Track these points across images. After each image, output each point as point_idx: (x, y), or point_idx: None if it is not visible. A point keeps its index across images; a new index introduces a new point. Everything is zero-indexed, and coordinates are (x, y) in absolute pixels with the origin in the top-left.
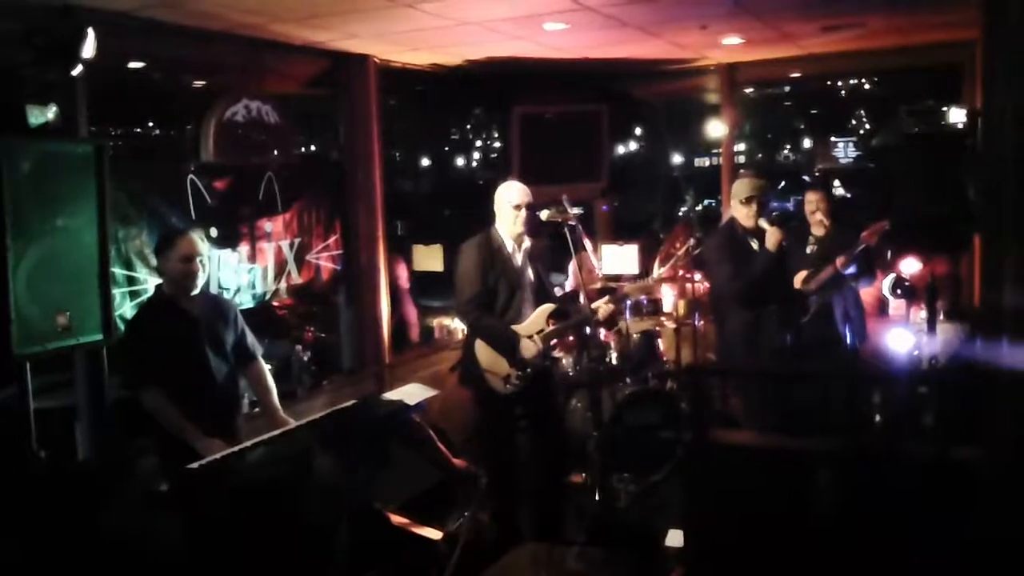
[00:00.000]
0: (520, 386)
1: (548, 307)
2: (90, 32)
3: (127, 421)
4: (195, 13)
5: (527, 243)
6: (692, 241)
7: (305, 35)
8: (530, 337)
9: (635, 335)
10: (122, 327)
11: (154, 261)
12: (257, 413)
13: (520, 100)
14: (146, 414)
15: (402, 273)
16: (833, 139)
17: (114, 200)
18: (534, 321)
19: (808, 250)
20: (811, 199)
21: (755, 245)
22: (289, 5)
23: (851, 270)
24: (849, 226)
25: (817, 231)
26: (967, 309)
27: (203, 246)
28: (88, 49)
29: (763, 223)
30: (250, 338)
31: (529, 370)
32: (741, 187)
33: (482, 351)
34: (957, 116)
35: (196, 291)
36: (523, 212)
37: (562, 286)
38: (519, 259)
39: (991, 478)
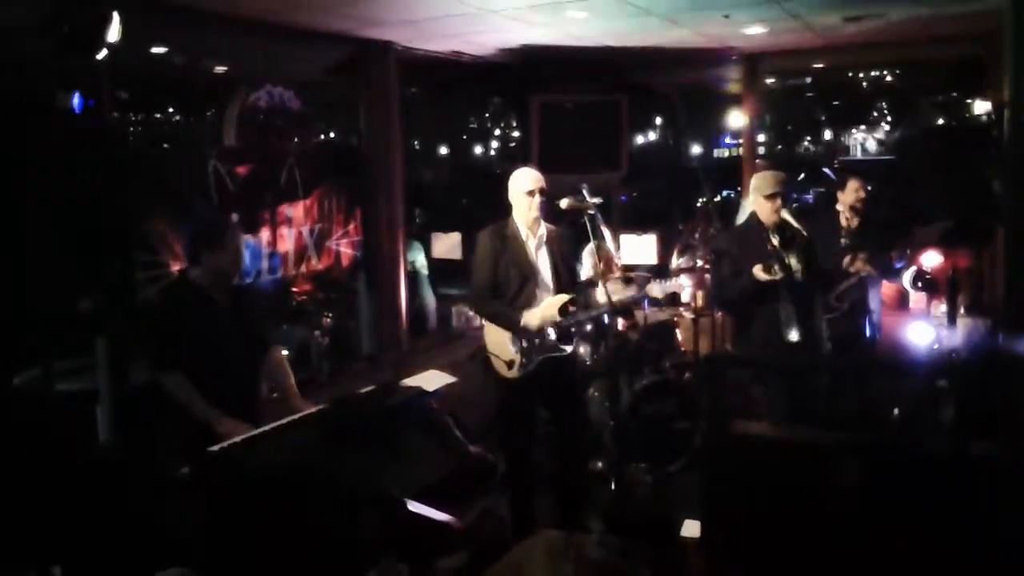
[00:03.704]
0: (526, 370)
1: (561, 298)
2: (115, 16)
3: (148, 405)
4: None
5: (543, 229)
6: (712, 231)
7: (326, 23)
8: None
9: (653, 325)
10: (146, 311)
11: (176, 246)
12: (276, 399)
13: (539, 89)
14: (168, 398)
15: None
16: (854, 131)
17: (137, 185)
18: (545, 310)
19: (843, 243)
20: (855, 186)
21: (775, 241)
22: None
23: (899, 263)
24: (876, 221)
25: (852, 222)
26: (989, 303)
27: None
28: (113, 34)
29: (785, 215)
30: (268, 324)
31: (536, 355)
32: (764, 182)
33: (490, 335)
34: (982, 108)
35: None
36: (536, 198)
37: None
38: (533, 246)
39: (1012, 471)
